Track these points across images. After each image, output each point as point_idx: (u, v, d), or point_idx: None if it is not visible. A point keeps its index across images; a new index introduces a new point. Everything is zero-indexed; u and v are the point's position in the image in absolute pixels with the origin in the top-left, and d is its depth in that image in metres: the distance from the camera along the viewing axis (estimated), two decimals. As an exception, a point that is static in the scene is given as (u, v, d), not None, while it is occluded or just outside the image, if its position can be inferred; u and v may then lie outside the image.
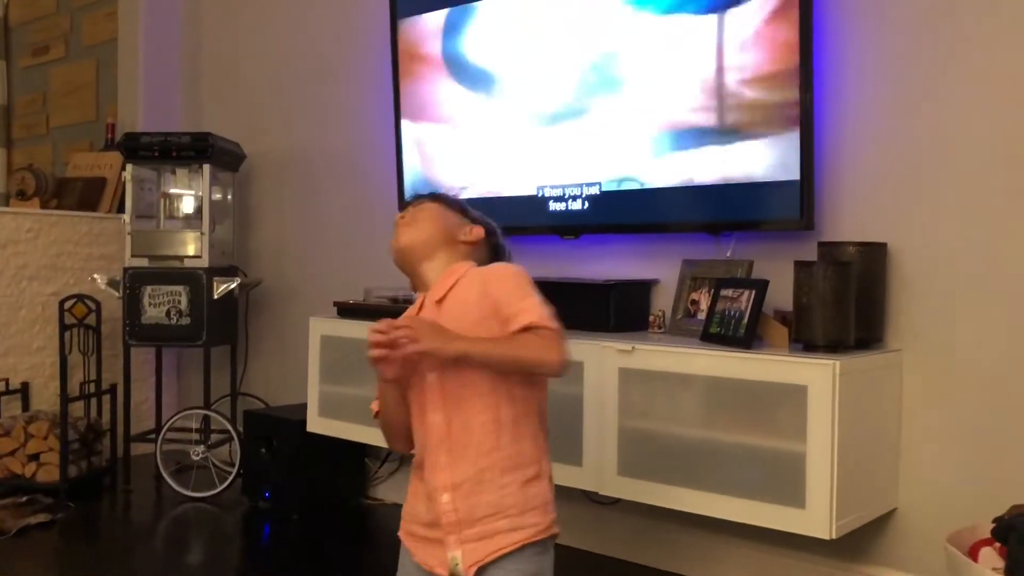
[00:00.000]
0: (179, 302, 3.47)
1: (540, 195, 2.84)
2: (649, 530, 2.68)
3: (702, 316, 2.45)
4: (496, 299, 1.40)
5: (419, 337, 1.32)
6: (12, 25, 5.31)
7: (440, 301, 1.49)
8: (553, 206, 2.81)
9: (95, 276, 3.61)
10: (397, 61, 3.21)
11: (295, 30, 3.81)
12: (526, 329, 1.36)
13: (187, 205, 3.66)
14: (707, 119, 2.46)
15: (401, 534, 1.53)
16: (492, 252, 1.62)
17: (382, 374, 1.42)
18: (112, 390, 3.59)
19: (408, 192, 3.18)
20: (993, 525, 1.88)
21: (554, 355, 1.35)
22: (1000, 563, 1.82)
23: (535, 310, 1.37)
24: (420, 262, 1.54)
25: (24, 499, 3.20)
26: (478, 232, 1.57)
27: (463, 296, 1.47)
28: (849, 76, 2.34)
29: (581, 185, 2.74)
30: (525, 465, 1.42)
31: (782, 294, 2.31)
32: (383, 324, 1.35)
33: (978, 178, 2.17)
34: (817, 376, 2.00)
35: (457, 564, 1.40)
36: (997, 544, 1.87)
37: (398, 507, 1.56)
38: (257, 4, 3.99)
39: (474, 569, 1.39)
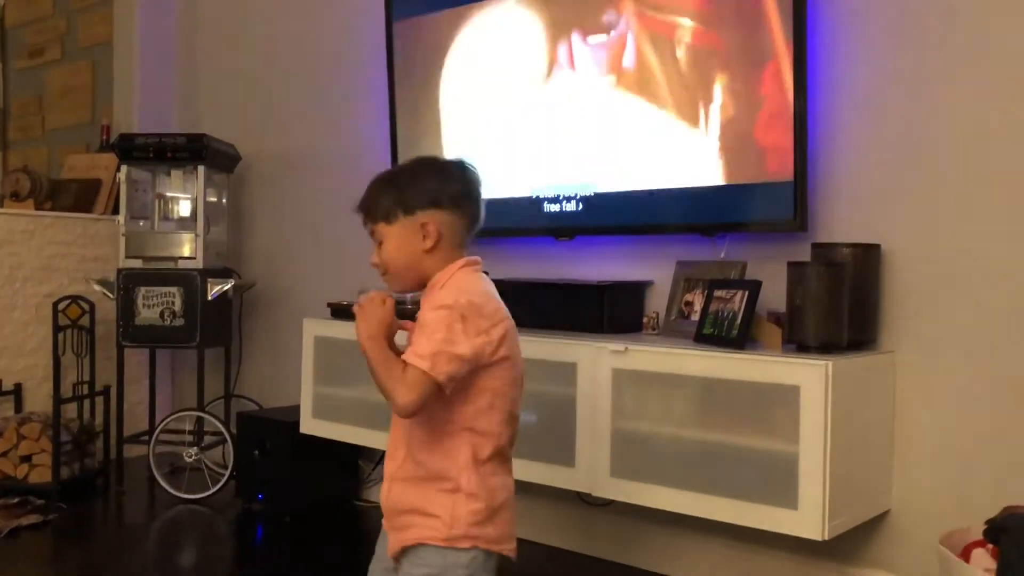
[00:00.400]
0: (173, 303, 3.46)
1: (535, 197, 2.84)
2: (641, 532, 2.67)
3: (696, 317, 2.44)
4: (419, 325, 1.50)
5: (360, 314, 1.51)
6: (8, 27, 5.31)
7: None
8: (548, 207, 2.81)
9: (88, 278, 3.60)
10: (392, 62, 3.21)
11: (290, 32, 3.82)
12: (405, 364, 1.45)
13: (182, 206, 3.65)
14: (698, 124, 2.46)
15: None
16: (467, 221, 1.59)
17: None
18: (105, 392, 3.58)
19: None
20: (985, 527, 1.88)
21: (398, 396, 1.44)
22: (992, 564, 1.82)
23: (419, 350, 1.44)
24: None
25: (15, 500, 3.20)
26: (433, 234, 1.54)
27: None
28: (842, 77, 2.34)
29: (575, 186, 2.74)
30: (441, 479, 1.51)
31: (776, 296, 2.31)
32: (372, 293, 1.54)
33: (972, 180, 2.17)
34: (810, 377, 2.00)
35: (389, 545, 1.57)
36: (989, 545, 1.87)
37: (391, 510, 1.61)
38: (252, 6, 4.00)
39: (391, 555, 1.55)
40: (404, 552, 1.53)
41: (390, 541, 1.55)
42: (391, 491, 1.56)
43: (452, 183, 1.58)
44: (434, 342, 1.43)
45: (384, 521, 1.60)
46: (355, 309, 1.52)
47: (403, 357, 1.46)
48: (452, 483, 1.50)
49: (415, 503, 1.52)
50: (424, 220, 1.54)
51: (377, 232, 1.57)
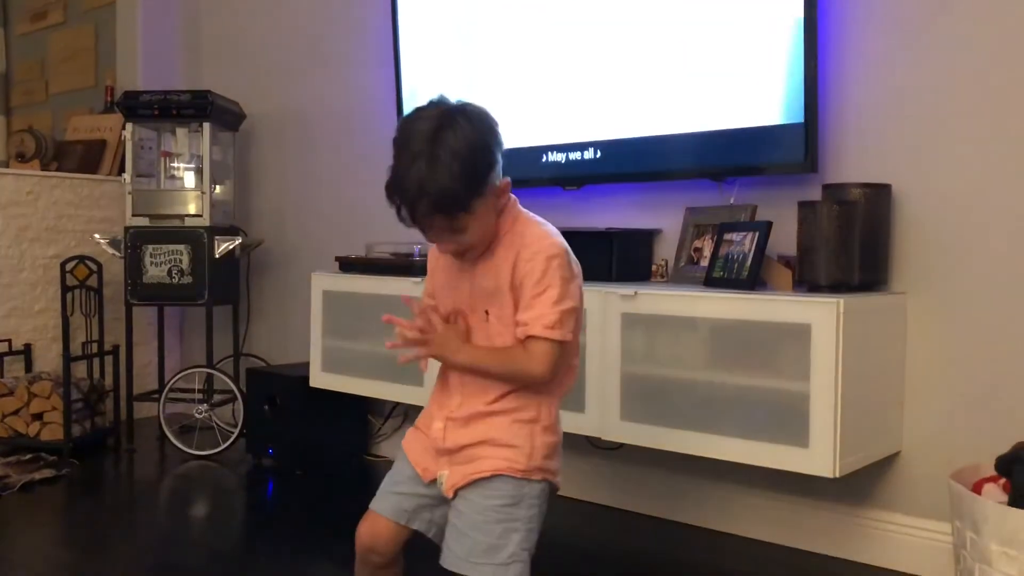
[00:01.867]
0: (180, 261, 3.46)
1: (542, 145, 2.81)
2: (651, 479, 2.68)
3: (705, 263, 2.43)
4: (521, 281, 1.43)
5: (431, 344, 1.45)
6: (10, -9, 5.28)
7: (476, 261, 1.47)
8: (555, 156, 2.79)
9: (96, 235, 3.60)
10: (397, 16, 3.18)
11: (294, -12, 3.79)
12: (529, 337, 1.42)
13: (187, 165, 3.64)
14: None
15: (410, 430, 1.59)
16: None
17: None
18: (115, 351, 3.59)
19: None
20: (997, 462, 1.88)
21: (536, 369, 1.42)
22: (1003, 498, 1.82)
23: (544, 318, 1.40)
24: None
25: (28, 457, 3.22)
26: (506, 189, 1.44)
27: (497, 264, 1.45)
28: (853, 15, 2.31)
29: (583, 134, 2.71)
30: (521, 409, 1.47)
31: (786, 240, 2.30)
32: (419, 321, 1.46)
33: (985, 119, 2.14)
34: (821, 315, 1.99)
35: (442, 483, 1.49)
36: (1001, 481, 1.87)
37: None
38: (255, -37, 3.96)
39: (452, 491, 1.48)
40: (471, 484, 1.46)
41: (450, 475, 1.48)
42: (445, 431, 1.49)
43: (496, 127, 1.42)
44: (551, 304, 1.40)
45: (433, 455, 1.52)
46: (431, 339, 1.45)
47: (527, 331, 1.40)
48: (531, 412, 1.47)
49: (486, 433, 1.46)
50: (498, 183, 1.42)
51: (459, 221, 1.39)
